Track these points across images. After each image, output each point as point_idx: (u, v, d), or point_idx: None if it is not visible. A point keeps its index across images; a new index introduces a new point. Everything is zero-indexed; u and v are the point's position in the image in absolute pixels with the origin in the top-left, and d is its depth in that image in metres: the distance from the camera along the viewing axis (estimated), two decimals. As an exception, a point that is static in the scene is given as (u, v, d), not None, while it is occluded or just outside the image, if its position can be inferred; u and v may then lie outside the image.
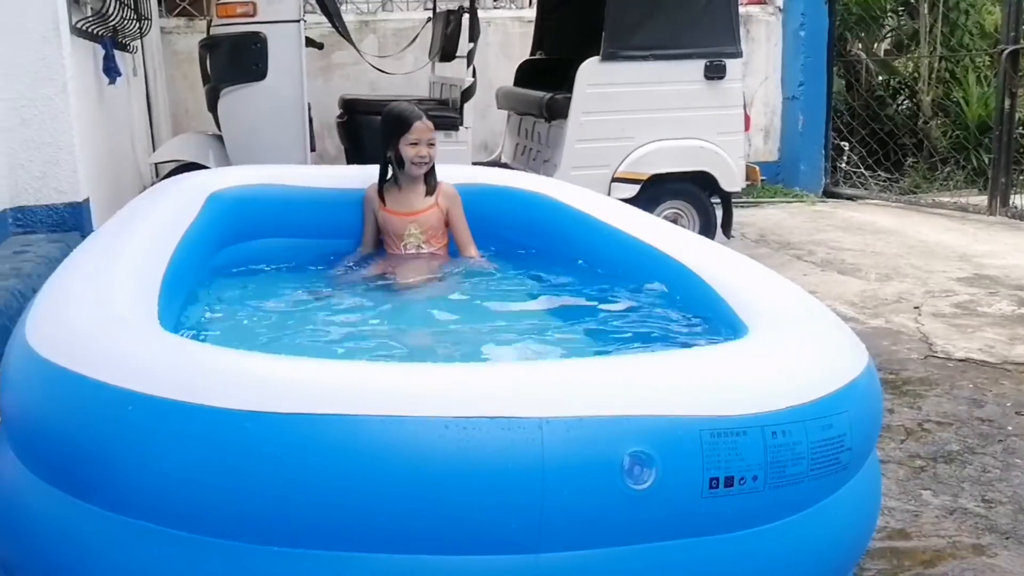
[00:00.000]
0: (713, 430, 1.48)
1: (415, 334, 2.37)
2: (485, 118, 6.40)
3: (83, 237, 4.24)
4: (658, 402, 1.48)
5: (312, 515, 1.36)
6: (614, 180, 4.83)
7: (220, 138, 4.82)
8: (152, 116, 6.33)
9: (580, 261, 3.01)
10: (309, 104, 4.77)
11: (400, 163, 3.15)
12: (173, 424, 1.37)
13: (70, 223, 4.26)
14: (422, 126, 3.11)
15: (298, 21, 4.59)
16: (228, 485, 1.36)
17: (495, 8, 7.46)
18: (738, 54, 4.93)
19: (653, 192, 4.89)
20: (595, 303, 2.61)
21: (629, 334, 2.34)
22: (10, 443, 1.59)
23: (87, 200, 4.35)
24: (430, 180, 3.21)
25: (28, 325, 1.66)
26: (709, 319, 2.21)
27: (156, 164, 5.68)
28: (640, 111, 4.80)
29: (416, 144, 3.10)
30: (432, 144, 3.14)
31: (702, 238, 2.73)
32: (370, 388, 1.41)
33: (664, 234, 2.74)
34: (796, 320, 1.91)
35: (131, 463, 1.38)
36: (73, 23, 4.38)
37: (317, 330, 2.47)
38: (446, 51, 5.32)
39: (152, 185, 5.86)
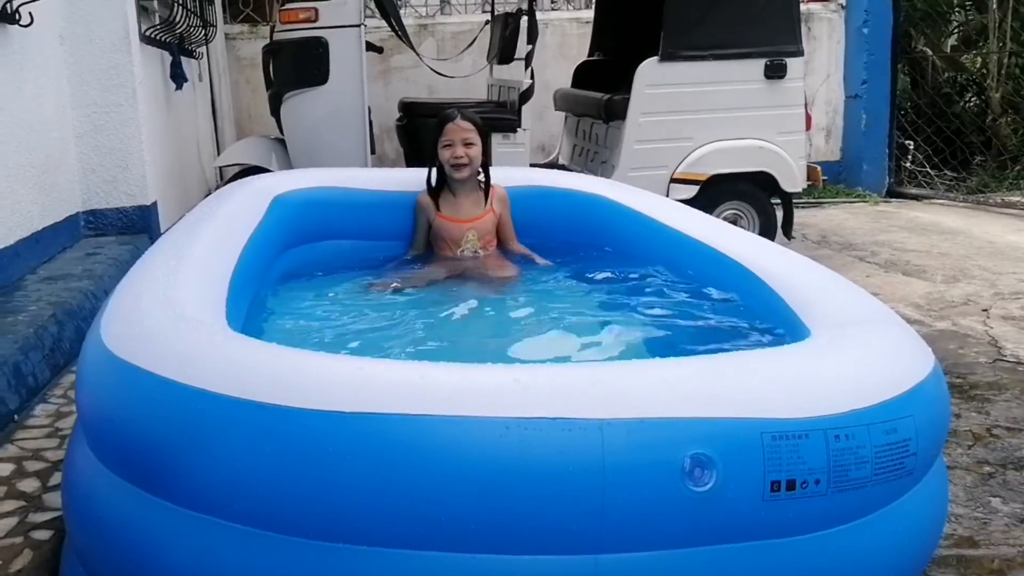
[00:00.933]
0: (774, 432, 1.46)
1: (476, 334, 2.39)
2: (542, 120, 6.42)
3: (151, 239, 4.36)
4: (719, 404, 1.47)
5: (374, 513, 1.37)
6: (673, 181, 4.80)
7: (283, 142, 4.91)
8: (217, 120, 6.48)
9: (639, 264, 2.99)
10: (369, 107, 4.84)
11: (443, 169, 3.16)
12: (240, 422, 1.40)
13: (139, 225, 4.39)
14: (454, 127, 3.08)
15: (359, 26, 4.65)
16: (293, 483, 1.38)
17: (553, 10, 7.46)
18: (799, 53, 4.86)
19: (712, 193, 4.85)
20: (654, 306, 2.60)
21: (689, 336, 2.33)
22: (86, 438, 1.65)
23: (155, 203, 4.47)
24: (484, 185, 3.21)
25: (103, 325, 1.71)
26: (770, 321, 2.19)
27: (220, 168, 5.81)
28: (699, 111, 4.76)
29: (450, 146, 3.08)
30: (469, 144, 3.09)
31: (762, 240, 2.70)
32: (432, 388, 1.43)
33: (724, 236, 2.72)
34: (860, 323, 1.88)
35: (199, 459, 1.42)
36: (142, 31, 4.51)
37: (380, 330, 2.51)
38: (504, 54, 5.34)
39: (217, 188, 6.02)
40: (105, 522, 1.55)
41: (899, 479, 1.59)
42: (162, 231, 4.57)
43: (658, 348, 2.31)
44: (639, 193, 3.33)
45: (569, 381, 1.48)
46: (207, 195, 5.95)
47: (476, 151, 3.10)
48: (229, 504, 1.42)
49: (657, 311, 2.54)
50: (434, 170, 3.22)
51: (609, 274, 2.98)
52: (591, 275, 3.02)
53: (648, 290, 2.74)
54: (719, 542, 1.46)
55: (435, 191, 3.23)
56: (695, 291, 2.62)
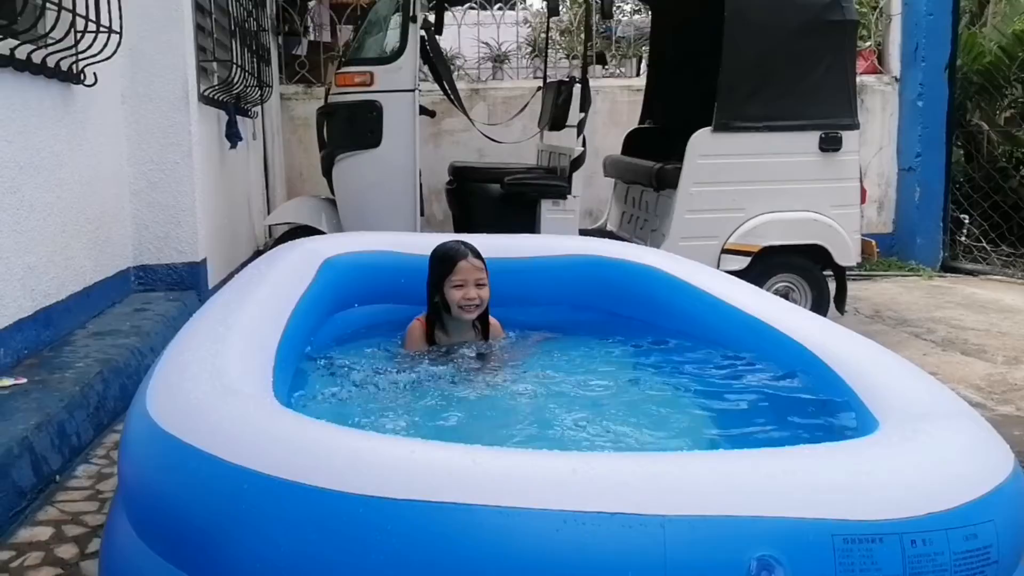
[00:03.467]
0: (847, 536, 1.38)
1: (521, 416, 2.33)
2: (591, 185, 6.39)
3: (199, 296, 4.38)
4: (788, 503, 1.39)
5: (422, 606, 1.31)
6: (724, 252, 4.73)
7: (332, 202, 4.94)
8: (268, 178, 6.56)
9: (692, 340, 2.92)
10: (420, 170, 4.86)
11: (447, 307, 2.81)
12: (286, 504, 1.35)
13: (188, 282, 4.41)
14: (467, 265, 2.76)
15: (413, 91, 4.70)
16: (339, 570, 1.32)
17: (605, 77, 7.50)
18: (855, 125, 4.80)
19: (764, 265, 4.77)
20: (712, 386, 2.52)
21: (749, 422, 2.25)
22: (126, 511, 1.60)
23: (204, 260, 4.50)
24: (483, 325, 2.90)
25: (148, 394, 1.68)
26: (836, 409, 2.10)
27: (270, 225, 5.86)
28: (752, 182, 4.71)
29: (462, 286, 2.76)
30: (483, 285, 2.78)
31: (824, 320, 2.61)
32: (485, 476, 1.37)
33: (785, 314, 2.64)
34: (932, 416, 1.79)
35: (243, 542, 1.37)
36: (201, 91, 4.59)
37: (429, 406, 2.47)
38: (556, 120, 5.36)
39: (266, 246, 6.07)
40: (143, 602, 1.50)
41: (980, 588, 1.49)
42: (211, 287, 4.59)
43: (717, 433, 2.23)
44: (697, 267, 3.25)
45: (629, 473, 1.41)
46: (256, 253, 6.02)
47: (487, 291, 2.81)
48: (271, 590, 1.36)
49: (715, 393, 2.46)
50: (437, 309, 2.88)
51: (663, 352, 2.91)
52: (643, 352, 2.95)
53: (706, 370, 2.66)
54: (786, 651, 1.37)
55: (430, 330, 2.89)
56: (756, 372, 2.54)
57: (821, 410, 2.15)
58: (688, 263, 3.36)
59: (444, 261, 2.81)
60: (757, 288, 3.10)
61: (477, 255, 2.80)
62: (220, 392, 1.62)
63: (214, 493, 1.41)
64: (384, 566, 1.31)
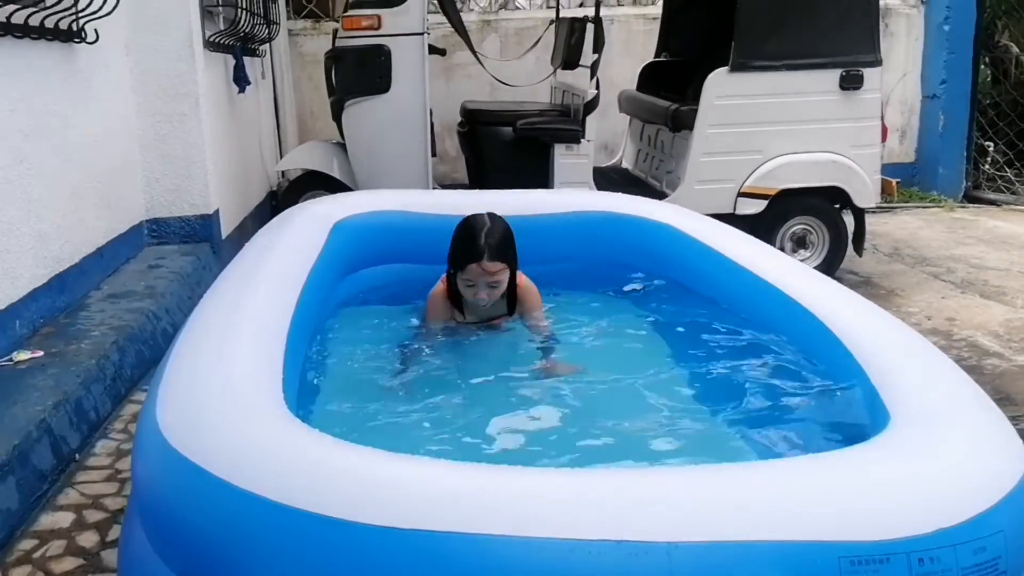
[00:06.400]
0: (853, 558, 1.38)
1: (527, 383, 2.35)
2: (606, 118, 6.25)
3: (213, 248, 4.38)
4: (794, 526, 1.39)
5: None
6: (740, 195, 4.66)
7: (343, 146, 4.88)
8: (279, 118, 6.47)
9: (703, 305, 2.89)
10: (431, 109, 4.78)
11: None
12: (298, 532, 1.37)
13: (201, 234, 4.40)
14: (477, 269, 2.58)
15: (422, 33, 4.58)
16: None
17: (619, 5, 7.28)
18: (877, 63, 4.65)
19: (781, 207, 4.70)
20: (722, 359, 2.51)
21: (755, 402, 2.24)
22: (142, 524, 1.63)
23: (217, 211, 4.48)
24: (510, 299, 2.80)
25: (159, 405, 1.68)
26: (850, 397, 2.07)
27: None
28: (770, 123, 4.60)
29: (472, 286, 2.64)
30: (494, 285, 2.64)
31: (845, 291, 2.54)
32: (493, 505, 1.37)
33: (806, 283, 2.58)
34: (948, 413, 1.77)
35: (254, 568, 1.39)
36: (206, 37, 4.49)
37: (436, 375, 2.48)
38: (569, 60, 5.23)
39: (279, 187, 6.04)
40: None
41: (986, 600, 1.50)
42: (224, 237, 4.58)
43: (722, 415, 2.23)
44: (715, 226, 3.20)
45: (635, 497, 1.41)
46: (270, 194, 5.99)
47: (502, 287, 2.67)
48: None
49: (724, 367, 2.45)
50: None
51: (673, 316, 2.90)
52: (652, 318, 2.93)
53: (715, 340, 2.64)
54: (791, 674, 1.38)
55: (451, 290, 2.78)
56: (766, 344, 2.51)
57: (834, 396, 2.14)
58: (703, 220, 3.31)
59: (459, 254, 2.64)
60: (776, 251, 3.06)
61: (495, 254, 2.58)
62: (230, 409, 1.62)
63: (225, 519, 1.42)
64: (392, 595, 1.32)
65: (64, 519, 2.22)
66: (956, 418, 1.75)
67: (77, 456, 2.54)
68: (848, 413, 2.04)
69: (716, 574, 1.34)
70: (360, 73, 4.62)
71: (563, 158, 4.73)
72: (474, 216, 2.71)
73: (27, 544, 2.10)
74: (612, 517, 1.36)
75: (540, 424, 2.18)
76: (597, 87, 4.76)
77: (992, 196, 7.09)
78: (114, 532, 2.14)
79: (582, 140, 4.75)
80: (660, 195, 4.65)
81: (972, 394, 1.88)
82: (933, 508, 1.47)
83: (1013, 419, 1.83)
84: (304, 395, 2.18)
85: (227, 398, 1.65)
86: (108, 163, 3.82)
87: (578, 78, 5.21)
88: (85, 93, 3.60)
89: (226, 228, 4.69)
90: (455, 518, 1.35)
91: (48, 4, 3.16)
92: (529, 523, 1.35)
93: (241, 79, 5.03)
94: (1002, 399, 3.17)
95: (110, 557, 2.04)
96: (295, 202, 4.36)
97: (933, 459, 1.60)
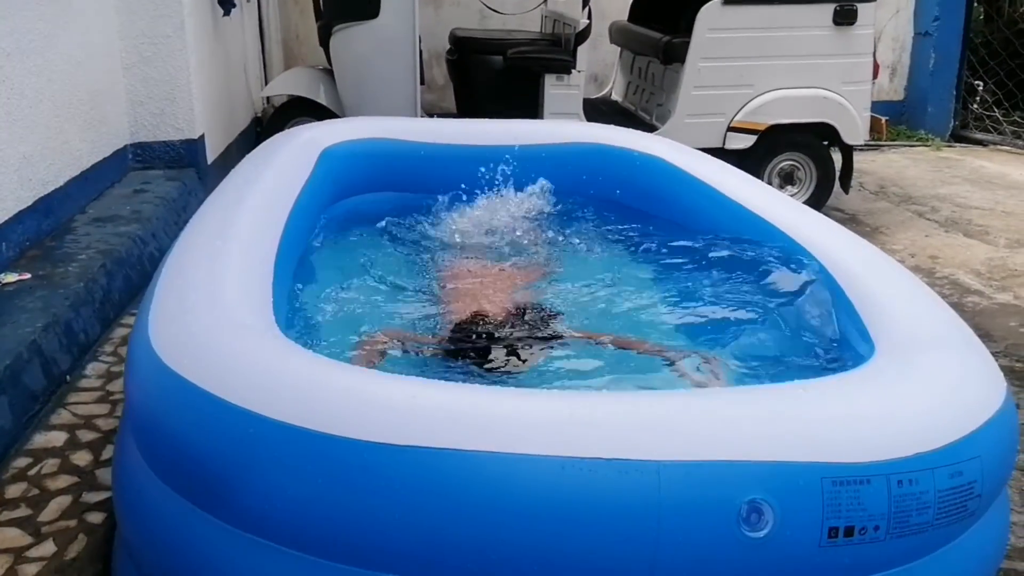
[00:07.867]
0: (835, 478, 1.42)
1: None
2: (596, 49, 6.18)
3: (198, 173, 4.34)
4: (779, 447, 1.43)
5: (424, 547, 1.36)
6: (730, 129, 4.65)
7: (330, 72, 4.81)
8: (264, 42, 6.35)
9: (694, 239, 2.90)
10: (420, 36, 4.70)
11: None
12: (290, 447, 1.39)
13: (186, 159, 4.35)
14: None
15: (412, -43, 4.49)
16: (342, 512, 1.37)
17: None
18: (871, -3, 4.61)
19: (770, 143, 4.70)
20: (710, 288, 2.53)
21: (745, 331, 2.26)
22: (135, 441, 1.65)
23: (202, 136, 4.43)
24: None
25: (150, 322, 1.69)
26: (837, 325, 2.11)
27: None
28: (762, 58, 4.57)
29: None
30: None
31: (835, 225, 2.57)
32: (484, 422, 1.40)
33: (795, 216, 2.61)
34: (931, 343, 1.80)
35: (249, 481, 1.41)
36: (191, -43, 4.38)
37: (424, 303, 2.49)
38: (560, -14, 5.15)
39: (264, 113, 5.95)
40: (155, 531, 1.56)
41: (960, 521, 1.55)
42: (210, 163, 4.54)
43: (709, 342, 2.26)
44: (703, 159, 3.20)
45: (627, 419, 1.44)
46: (255, 120, 5.90)
47: None
48: (280, 529, 1.41)
49: (712, 299, 2.47)
50: None
51: (660, 249, 2.91)
52: (642, 251, 2.95)
53: (704, 272, 2.65)
54: (772, 587, 1.43)
55: None
56: (755, 276, 2.53)
57: (821, 326, 2.17)
58: (695, 154, 3.31)
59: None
60: (767, 186, 3.08)
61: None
62: (221, 324, 1.63)
63: (219, 434, 1.44)
64: (386, 510, 1.35)
65: (57, 438, 2.23)
66: (938, 349, 1.79)
67: (68, 378, 2.55)
68: (834, 342, 2.07)
69: (703, 491, 1.38)
70: (348, -2, 4.54)
71: (554, 88, 4.69)
72: None
73: (22, 462, 2.12)
74: (605, 436, 1.39)
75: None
76: (589, 17, 4.70)
77: (979, 136, 7.09)
78: (107, 452, 2.16)
79: (573, 71, 4.70)
80: (650, 128, 4.63)
81: (955, 327, 1.92)
82: (913, 433, 1.52)
83: (992, 355, 1.87)
84: (293, 317, 2.19)
85: (219, 316, 1.66)
86: (91, 84, 3.75)
87: (569, 7, 5.14)
88: (66, 11, 3.51)
89: (211, 154, 4.63)
90: (450, 435, 1.37)
91: (28, -83, 3.08)
92: (523, 441, 1.38)
93: (226, 1, 4.92)
94: (982, 335, 3.18)
95: (104, 475, 2.06)
96: (281, 129, 4.28)
97: (915, 387, 1.63)
